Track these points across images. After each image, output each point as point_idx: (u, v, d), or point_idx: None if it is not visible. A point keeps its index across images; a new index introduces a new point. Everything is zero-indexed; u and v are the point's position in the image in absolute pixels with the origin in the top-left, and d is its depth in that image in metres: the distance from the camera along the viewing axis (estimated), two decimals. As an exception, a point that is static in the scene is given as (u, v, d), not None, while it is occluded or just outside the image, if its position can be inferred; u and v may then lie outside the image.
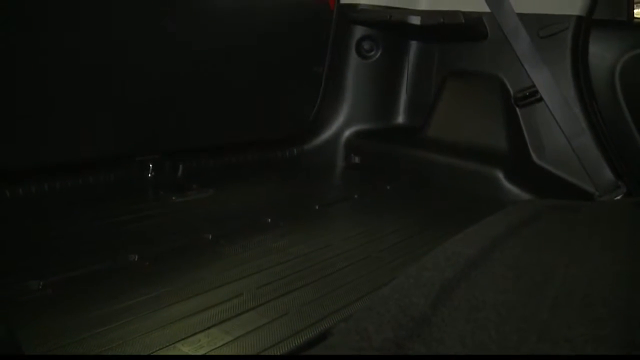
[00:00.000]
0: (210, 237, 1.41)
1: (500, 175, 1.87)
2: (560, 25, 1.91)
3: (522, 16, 1.94)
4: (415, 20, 2.05)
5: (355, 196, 1.88)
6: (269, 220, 1.57)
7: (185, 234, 1.43)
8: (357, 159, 2.16)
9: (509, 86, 2.01)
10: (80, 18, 1.47)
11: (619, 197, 1.77)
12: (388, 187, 2.01)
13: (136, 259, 1.24)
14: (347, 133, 2.19)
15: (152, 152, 1.78)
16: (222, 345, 0.93)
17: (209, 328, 0.98)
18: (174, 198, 1.70)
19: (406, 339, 0.74)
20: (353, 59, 2.20)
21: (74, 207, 1.54)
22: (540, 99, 1.93)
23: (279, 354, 0.94)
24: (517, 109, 2.00)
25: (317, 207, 1.74)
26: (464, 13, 2.00)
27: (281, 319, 1.04)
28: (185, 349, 0.91)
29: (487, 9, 2.00)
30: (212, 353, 0.91)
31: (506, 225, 1.27)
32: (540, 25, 1.93)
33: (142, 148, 1.76)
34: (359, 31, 2.17)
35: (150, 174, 1.78)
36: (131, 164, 1.74)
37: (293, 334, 0.98)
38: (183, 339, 0.93)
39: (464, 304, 0.86)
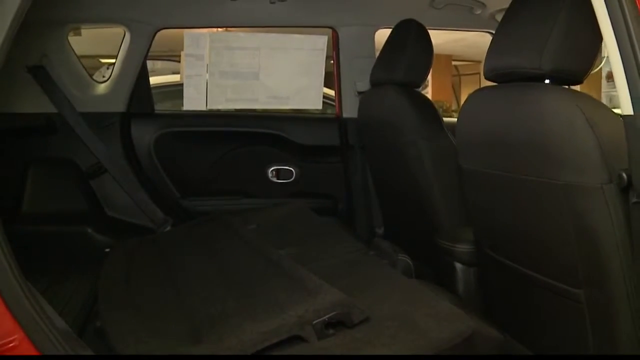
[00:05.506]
0: None
1: (90, 230, 2.51)
2: (111, 119, 2.68)
3: (84, 114, 2.61)
4: None
5: None
6: None
7: None
8: None
9: (80, 165, 2.63)
10: None
11: (169, 228, 2.62)
12: None
13: None
14: None
15: None
16: None
17: None
18: None
19: None
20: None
21: None
22: (106, 171, 2.64)
23: None
24: (90, 181, 2.65)
25: None
26: (41, 114, 2.57)
27: None
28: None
29: (54, 110, 2.59)
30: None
31: (122, 265, 1.93)
32: (96, 119, 2.64)
33: None
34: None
35: None
36: None
37: None
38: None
39: None
